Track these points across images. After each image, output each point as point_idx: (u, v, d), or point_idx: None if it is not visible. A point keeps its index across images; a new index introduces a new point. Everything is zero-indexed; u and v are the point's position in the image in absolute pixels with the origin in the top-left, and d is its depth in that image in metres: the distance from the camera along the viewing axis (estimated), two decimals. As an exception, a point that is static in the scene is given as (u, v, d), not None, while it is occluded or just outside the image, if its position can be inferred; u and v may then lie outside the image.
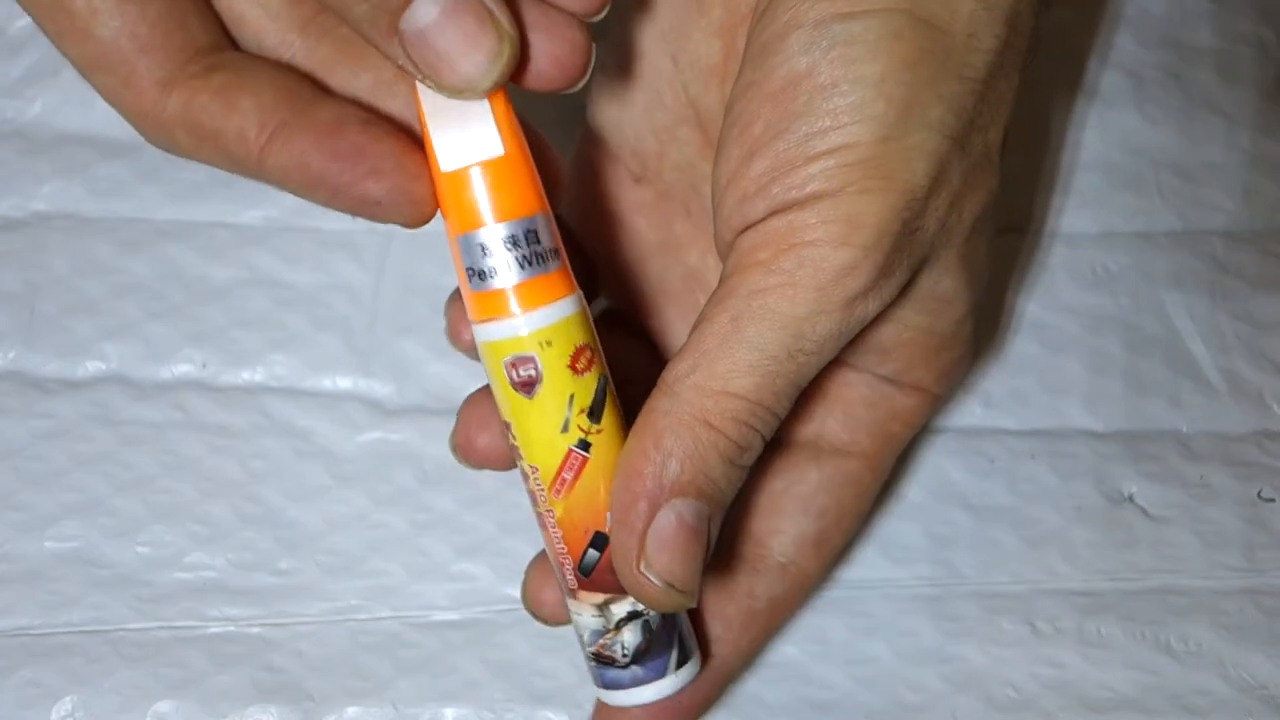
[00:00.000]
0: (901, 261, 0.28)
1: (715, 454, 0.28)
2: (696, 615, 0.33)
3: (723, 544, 0.30)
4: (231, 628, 0.38)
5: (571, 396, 0.28)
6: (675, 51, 0.32)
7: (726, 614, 0.33)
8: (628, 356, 0.34)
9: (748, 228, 0.28)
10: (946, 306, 0.31)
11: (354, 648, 0.38)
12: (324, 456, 0.40)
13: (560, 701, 0.37)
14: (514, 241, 0.27)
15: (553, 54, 0.27)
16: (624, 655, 0.30)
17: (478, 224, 0.27)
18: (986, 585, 0.39)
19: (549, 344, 0.27)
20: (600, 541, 0.29)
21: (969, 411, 0.40)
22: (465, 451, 0.32)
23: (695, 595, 0.28)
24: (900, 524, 0.39)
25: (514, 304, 0.27)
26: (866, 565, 0.39)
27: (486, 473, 0.39)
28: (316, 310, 0.41)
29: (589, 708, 0.37)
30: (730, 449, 0.28)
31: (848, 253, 0.27)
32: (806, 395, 0.30)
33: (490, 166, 0.27)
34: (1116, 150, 0.43)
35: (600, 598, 0.29)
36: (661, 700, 0.30)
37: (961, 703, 0.37)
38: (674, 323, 0.35)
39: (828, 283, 0.27)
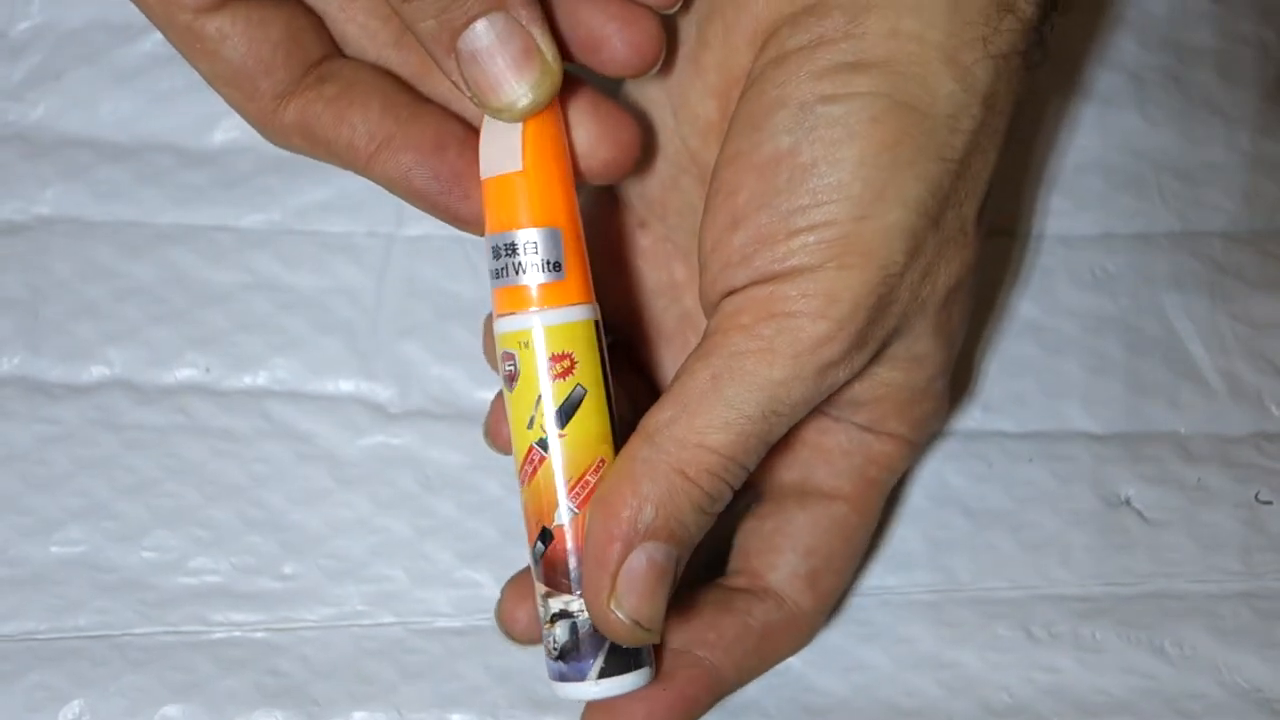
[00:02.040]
0: (875, 334, 0.30)
1: (688, 502, 0.30)
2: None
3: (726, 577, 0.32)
4: (236, 632, 0.38)
5: (539, 398, 0.30)
6: (675, 108, 0.34)
7: (721, 624, 0.34)
8: (631, 390, 0.36)
9: (732, 291, 0.30)
10: (919, 366, 0.32)
11: (358, 653, 0.38)
12: (326, 460, 0.40)
13: (562, 708, 0.38)
14: (510, 250, 0.30)
15: (632, 42, 0.30)
16: (554, 649, 0.31)
17: (490, 229, 0.31)
18: (983, 591, 0.39)
19: (525, 345, 0.30)
20: (545, 536, 0.31)
21: (968, 414, 0.41)
22: (493, 437, 0.36)
23: (659, 633, 0.30)
24: (899, 529, 0.39)
25: (499, 305, 0.31)
26: (864, 572, 0.39)
27: (489, 479, 0.40)
28: (318, 314, 0.41)
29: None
30: (702, 498, 0.30)
31: (824, 325, 0.29)
32: (790, 443, 0.32)
33: (506, 181, 0.30)
34: (1117, 152, 0.42)
35: (543, 589, 0.31)
36: (647, 700, 0.32)
37: (958, 708, 0.38)
38: (668, 360, 0.37)
39: (804, 351, 0.29)
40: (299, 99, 0.31)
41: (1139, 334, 0.41)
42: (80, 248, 0.41)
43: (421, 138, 0.31)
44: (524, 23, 0.28)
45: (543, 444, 0.30)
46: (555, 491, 0.30)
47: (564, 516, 0.30)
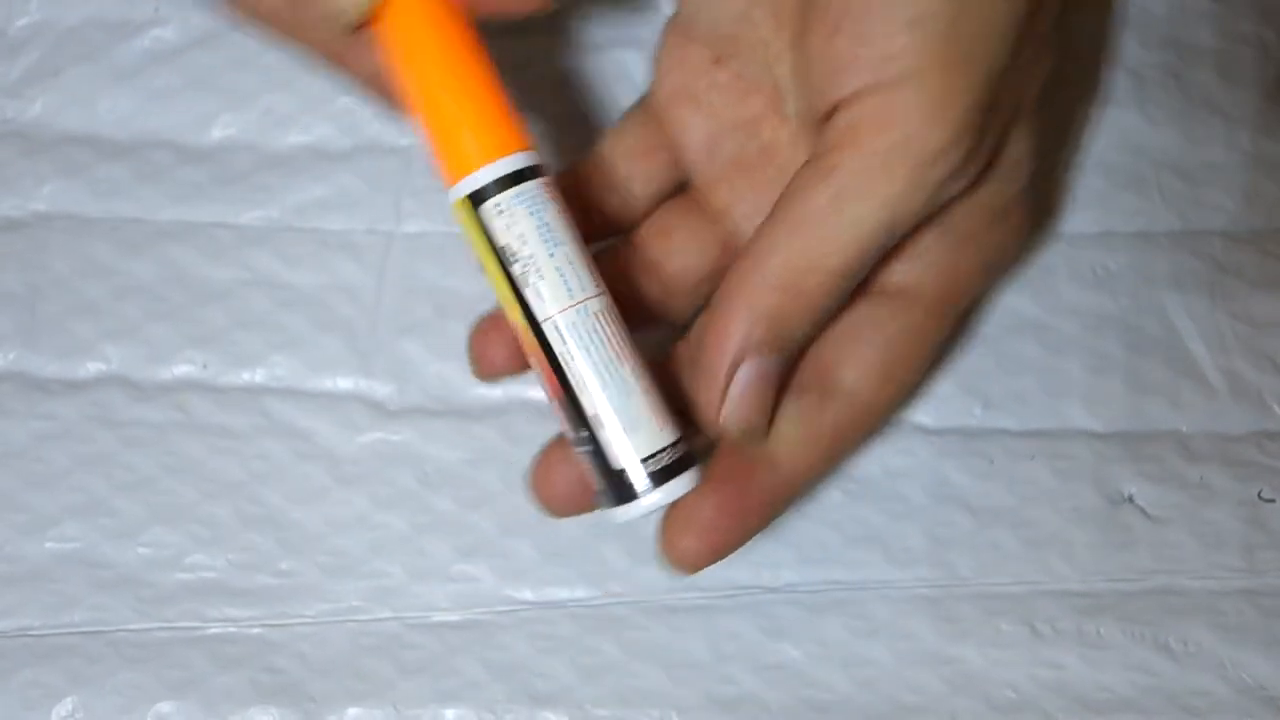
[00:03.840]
0: (987, 140, 0.30)
1: (800, 319, 0.30)
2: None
3: (791, 371, 0.32)
4: (232, 628, 0.38)
5: None
6: None
7: (790, 434, 0.33)
8: (692, 235, 0.36)
9: (841, 103, 0.30)
10: (1011, 177, 0.33)
11: (355, 649, 0.38)
12: (325, 457, 0.40)
13: (560, 702, 0.37)
14: None
15: None
16: (592, 479, 0.31)
17: None
18: (986, 587, 0.39)
19: None
20: None
21: (969, 412, 0.40)
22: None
23: (765, 435, 0.31)
24: (900, 525, 0.39)
25: None
26: (866, 567, 0.39)
27: (488, 474, 0.39)
28: (317, 311, 0.41)
29: (589, 709, 0.37)
30: (814, 314, 0.30)
31: (941, 134, 0.29)
32: None
33: None
34: (1117, 150, 0.42)
35: None
36: (717, 499, 0.32)
37: (961, 704, 0.37)
38: (746, 194, 0.36)
39: (923, 163, 0.29)
40: None
41: (1140, 333, 0.41)
42: (78, 244, 0.41)
43: None
44: None
45: None
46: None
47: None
